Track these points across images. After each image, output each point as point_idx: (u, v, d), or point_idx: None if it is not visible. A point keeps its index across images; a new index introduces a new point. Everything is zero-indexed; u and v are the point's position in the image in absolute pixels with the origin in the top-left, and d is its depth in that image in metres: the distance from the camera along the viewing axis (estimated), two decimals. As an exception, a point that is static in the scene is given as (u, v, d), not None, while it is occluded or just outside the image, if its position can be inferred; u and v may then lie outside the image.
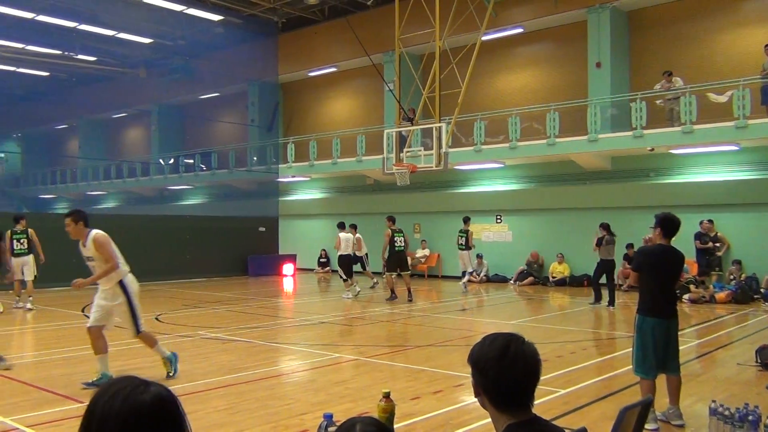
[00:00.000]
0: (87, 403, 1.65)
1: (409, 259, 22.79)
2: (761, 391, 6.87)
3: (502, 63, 22.31)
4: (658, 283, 5.81)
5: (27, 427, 5.64)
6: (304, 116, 28.23)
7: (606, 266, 14.50)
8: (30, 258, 14.23)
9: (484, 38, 16.39)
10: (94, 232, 7.01)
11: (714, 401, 5.43)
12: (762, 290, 15.45)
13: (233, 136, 29.99)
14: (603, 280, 14.61)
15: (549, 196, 20.23)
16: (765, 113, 15.75)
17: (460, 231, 18.10)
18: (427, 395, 6.65)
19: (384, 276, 16.15)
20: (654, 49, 19.38)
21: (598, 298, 14.70)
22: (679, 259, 5.92)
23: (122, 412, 1.57)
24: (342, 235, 16.85)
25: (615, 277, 14.75)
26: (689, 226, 15.10)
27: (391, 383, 6.96)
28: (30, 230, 14.27)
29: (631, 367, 5.94)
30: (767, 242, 16.45)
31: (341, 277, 16.70)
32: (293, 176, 25.83)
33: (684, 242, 12.17)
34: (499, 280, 20.77)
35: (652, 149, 17.40)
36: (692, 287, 15.35)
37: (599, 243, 14.40)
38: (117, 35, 26.68)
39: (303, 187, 27.14)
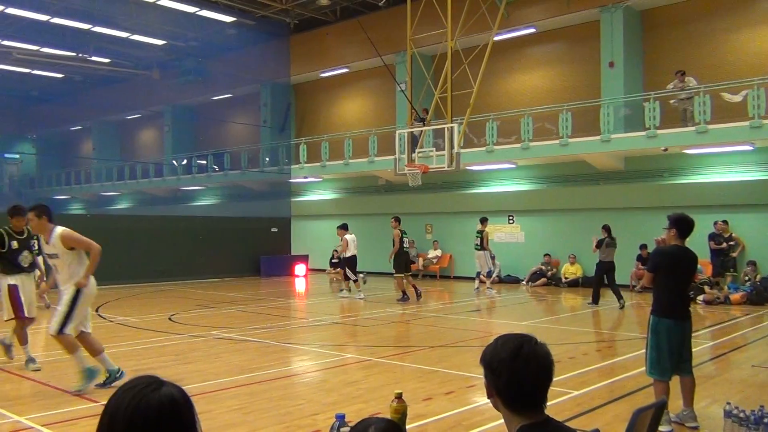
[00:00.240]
0: (104, 402, 1.67)
1: (420, 259, 22.90)
2: (777, 393, 6.81)
3: (514, 63, 22.25)
4: (674, 285, 5.77)
5: (42, 426, 5.69)
6: (316, 117, 28.29)
7: (605, 267, 14.66)
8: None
9: (496, 38, 16.36)
10: (60, 228, 6.81)
11: (729, 403, 5.39)
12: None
13: (246, 137, 30.11)
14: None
15: (561, 196, 20.14)
16: (780, 113, 15.62)
17: (477, 231, 18.09)
18: (439, 396, 6.64)
19: (394, 277, 16.12)
20: (667, 49, 19.26)
21: (596, 300, 14.73)
22: (694, 260, 5.89)
23: (129, 410, 1.59)
24: (348, 236, 16.88)
25: (615, 277, 14.89)
26: (703, 226, 15.00)
27: (403, 384, 6.95)
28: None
29: (644, 368, 5.90)
30: (783, 243, 16.31)
31: (350, 278, 16.71)
32: (305, 177, 25.88)
33: (697, 243, 12.07)
34: (512, 280, 20.70)
35: (666, 149, 17.28)
36: (707, 288, 15.24)
37: (599, 245, 14.61)
38: (131, 37, 26.87)
39: (315, 188, 27.19)
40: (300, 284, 21.68)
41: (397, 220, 16.29)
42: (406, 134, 16.55)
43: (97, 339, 7.25)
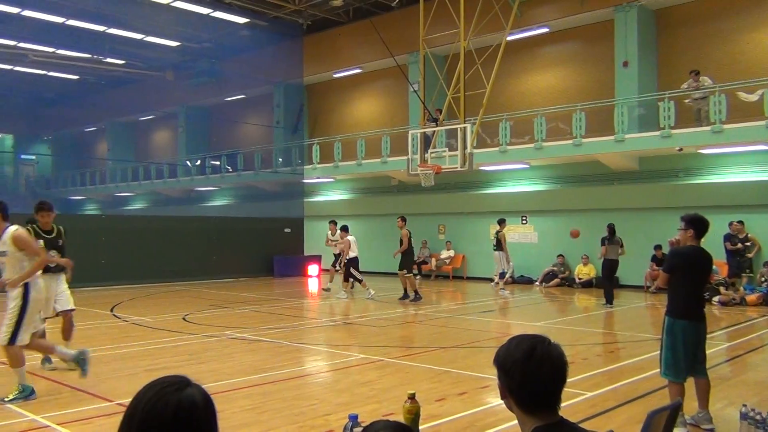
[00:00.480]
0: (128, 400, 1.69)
1: (433, 260, 22.88)
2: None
3: (527, 63, 22.17)
4: (690, 285, 5.72)
5: (57, 424, 5.73)
6: (328, 117, 28.34)
7: (610, 266, 14.83)
8: None
9: (509, 38, 16.32)
10: (14, 227, 6.65)
11: (745, 405, 5.34)
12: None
13: (259, 138, 30.22)
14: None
15: (575, 196, 20.05)
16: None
17: (495, 232, 18.11)
18: (453, 397, 6.63)
19: (405, 277, 16.08)
20: (682, 48, 19.12)
21: (609, 300, 14.77)
22: (709, 261, 5.85)
23: (147, 408, 1.61)
24: (350, 238, 16.90)
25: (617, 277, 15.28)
26: (718, 227, 14.87)
27: (416, 384, 6.95)
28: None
29: (658, 370, 5.86)
30: (800, 244, 16.14)
31: (357, 279, 16.74)
32: (318, 177, 25.93)
33: (712, 244, 12.00)
34: (525, 281, 20.63)
35: (681, 149, 17.16)
36: (722, 289, 15.12)
37: (602, 243, 14.83)
38: (145, 39, 27.07)
39: (328, 188, 27.24)
40: (313, 284, 21.72)
41: (404, 219, 16.28)
42: (418, 134, 16.54)
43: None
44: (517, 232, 21.41)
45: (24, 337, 6.50)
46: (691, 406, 5.79)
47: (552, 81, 21.90)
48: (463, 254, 22.81)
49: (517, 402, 2.14)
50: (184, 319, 12.78)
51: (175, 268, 21.19)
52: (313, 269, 24.41)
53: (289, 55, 27.69)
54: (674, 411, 2.90)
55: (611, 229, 14.98)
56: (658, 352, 5.83)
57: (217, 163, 30.70)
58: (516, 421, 2.19)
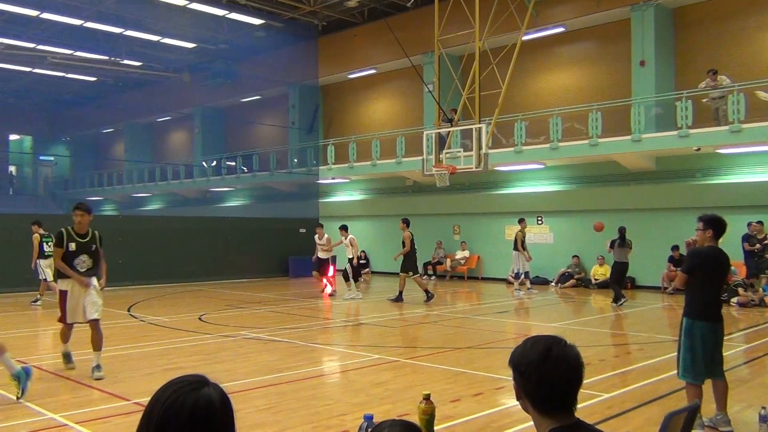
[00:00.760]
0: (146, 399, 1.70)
1: (448, 260, 22.84)
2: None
3: (543, 63, 22.08)
4: (710, 286, 5.67)
5: (75, 423, 5.78)
6: (343, 118, 28.38)
7: (620, 268, 15.03)
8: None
9: (524, 38, 16.23)
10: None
11: (764, 408, 5.28)
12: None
13: (274, 139, 30.33)
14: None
15: (591, 197, 19.93)
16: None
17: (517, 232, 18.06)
18: (468, 398, 6.62)
19: (413, 278, 16.04)
20: (700, 47, 18.95)
21: (618, 298, 14.84)
22: (728, 261, 5.80)
23: (165, 407, 1.63)
24: (352, 237, 16.96)
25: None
26: (737, 227, 14.72)
27: (431, 385, 6.94)
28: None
29: (676, 371, 5.81)
30: (820, 244, 15.91)
31: (353, 279, 16.79)
32: (333, 178, 25.98)
33: (730, 244, 11.86)
34: (540, 282, 20.53)
35: (699, 149, 17.00)
36: (741, 290, 14.97)
37: (611, 245, 15.06)
38: (161, 40, 27.28)
39: (343, 189, 27.28)
40: (328, 285, 21.73)
41: (405, 222, 16.28)
42: (433, 135, 16.52)
43: None
44: (532, 233, 21.30)
45: None
46: (709, 408, 5.74)
47: (568, 81, 21.78)
48: (478, 255, 22.75)
49: (532, 403, 2.12)
50: (200, 319, 12.85)
51: (191, 268, 21.32)
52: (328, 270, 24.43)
53: (305, 56, 27.77)
54: (692, 413, 2.87)
55: (622, 232, 15.06)
56: (676, 353, 5.78)
57: (233, 163, 30.85)
58: (532, 423, 2.18)
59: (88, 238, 7.83)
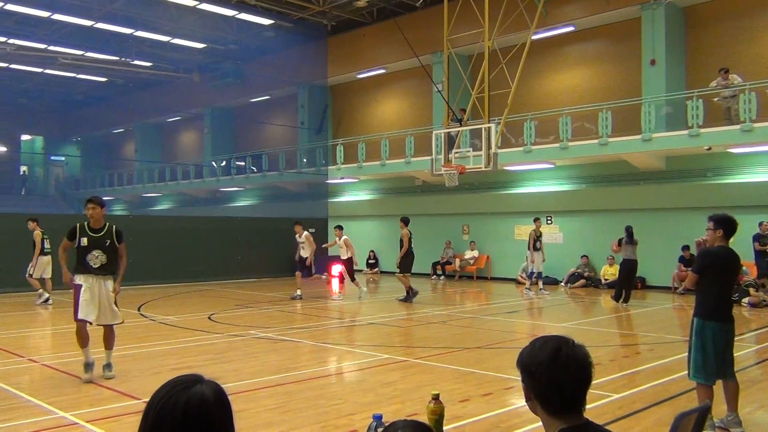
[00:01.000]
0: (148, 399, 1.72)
1: (457, 260, 22.80)
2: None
3: (552, 62, 22.01)
4: (721, 286, 5.63)
5: (86, 422, 5.81)
6: (352, 118, 28.40)
7: (628, 266, 15.08)
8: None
9: (534, 37, 16.19)
10: None
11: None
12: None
13: (283, 139, 30.39)
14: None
15: (601, 197, 19.85)
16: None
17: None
18: (477, 398, 6.60)
19: (397, 276, 16.02)
20: (711, 45, 18.83)
21: (618, 298, 14.99)
22: (738, 261, 5.77)
23: (159, 407, 1.66)
24: (347, 238, 16.80)
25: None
26: (748, 227, 14.62)
27: (440, 385, 6.93)
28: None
29: (686, 372, 5.77)
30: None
31: (353, 279, 16.73)
32: (342, 178, 26.00)
33: (741, 244, 11.78)
34: (550, 282, 20.46)
35: (710, 148, 16.89)
36: (752, 291, 14.86)
37: (619, 243, 15.15)
38: (171, 41, 27.38)
39: (352, 189, 27.29)
40: (337, 285, 21.76)
41: (404, 221, 16.19)
42: (442, 135, 16.50)
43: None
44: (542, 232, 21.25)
45: None
46: (720, 409, 5.70)
47: (577, 80, 21.70)
48: (488, 254, 22.71)
49: (542, 404, 2.11)
50: (209, 318, 12.89)
51: (201, 267, 21.40)
52: (336, 269, 24.43)
53: (314, 56, 27.80)
54: (703, 414, 2.85)
55: (630, 231, 15.07)
56: (686, 354, 5.74)
57: (242, 163, 30.94)
58: (539, 423, 2.17)
59: (102, 233, 7.52)
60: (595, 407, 6.03)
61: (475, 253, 22.80)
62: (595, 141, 18.43)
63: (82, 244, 7.43)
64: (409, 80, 25.72)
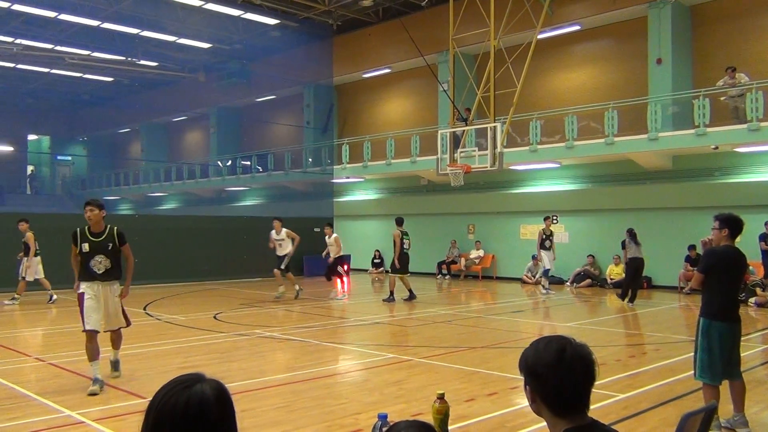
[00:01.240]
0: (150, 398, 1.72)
1: (462, 260, 22.78)
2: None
3: (558, 61, 21.96)
4: (727, 286, 5.61)
5: (92, 420, 5.84)
6: (358, 117, 28.41)
7: (634, 265, 15.17)
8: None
9: (540, 36, 16.17)
10: None
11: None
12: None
13: (289, 138, 30.43)
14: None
15: (607, 196, 19.81)
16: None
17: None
18: (482, 397, 6.60)
19: (393, 276, 15.96)
20: (718, 44, 18.76)
21: (623, 297, 15.17)
22: (744, 261, 5.75)
23: (159, 407, 1.67)
24: (337, 236, 16.67)
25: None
26: (754, 227, 14.58)
27: (445, 384, 6.93)
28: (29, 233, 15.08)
29: (692, 372, 5.76)
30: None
31: (327, 277, 16.63)
32: (348, 177, 26.01)
33: (747, 244, 11.75)
34: (556, 281, 20.42)
35: (716, 147, 16.83)
36: (759, 290, 14.80)
37: (623, 246, 15.34)
38: (177, 41, 27.43)
39: (357, 188, 27.30)
40: (342, 284, 21.77)
41: (397, 221, 15.98)
42: (448, 134, 16.49)
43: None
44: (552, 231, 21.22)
45: None
46: (726, 409, 5.68)
47: (584, 79, 21.66)
48: (493, 254, 22.68)
49: (548, 406, 2.08)
50: (215, 317, 12.92)
51: (207, 267, 21.44)
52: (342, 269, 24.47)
53: (319, 55, 27.82)
54: (709, 414, 2.84)
55: (632, 232, 15.17)
56: (692, 354, 5.73)
57: (248, 163, 30.99)
58: (545, 423, 2.16)
59: (103, 237, 7.19)
60: (600, 407, 6.02)
61: (481, 253, 22.78)
62: (601, 140, 18.39)
63: (83, 250, 7.11)
64: (415, 80, 25.71)
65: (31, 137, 43.31)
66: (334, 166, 26.36)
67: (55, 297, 15.13)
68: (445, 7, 17.41)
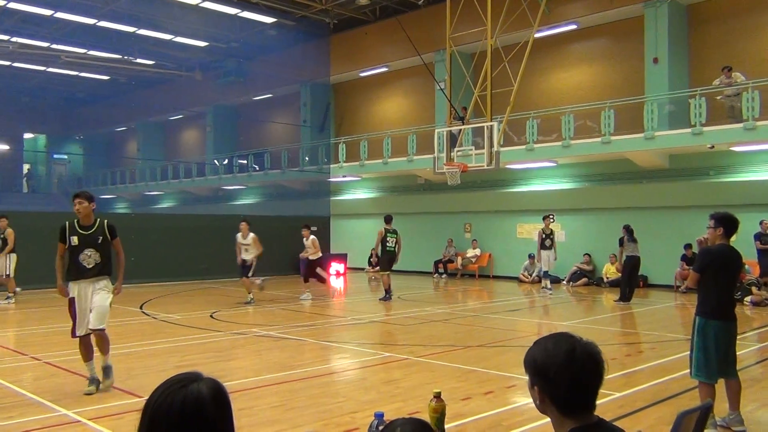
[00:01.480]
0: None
1: (459, 258, 22.79)
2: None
3: (555, 60, 21.98)
4: (723, 285, 5.63)
5: (88, 419, 5.83)
6: (355, 116, 28.40)
7: (631, 263, 15.27)
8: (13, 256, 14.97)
9: (537, 35, 16.19)
10: None
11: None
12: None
13: (286, 137, 30.41)
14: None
15: (603, 195, 19.83)
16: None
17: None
18: (478, 396, 6.61)
19: (381, 275, 15.92)
20: (714, 44, 18.80)
21: (623, 297, 15.20)
22: (740, 260, 5.77)
23: (155, 406, 1.67)
24: (315, 239, 16.18)
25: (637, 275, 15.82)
26: (750, 225, 14.60)
27: (442, 383, 6.93)
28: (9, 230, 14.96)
29: (688, 370, 5.77)
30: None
31: (306, 279, 15.96)
32: (344, 176, 26.00)
33: (743, 243, 11.77)
34: (552, 280, 20.43)
35: (712, 146, 16.86)
36: (754, 289, 14.84)
37: (621, 243, 15.38)
38: (174, 39, 27.39)
39: (354, 187, 27.29)
40: (339, 283, 21.79)
41: (386, 220, 15.64)
42: (445, 133, 16.50)
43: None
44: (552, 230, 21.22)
45: None
46: (721, 407, 5.70)
47: (580, 78, 21.68)
48: (490, 253, 22.70)
49: (558, 406, 2.03)
50: (211, 316, 12.91)
51: (203, 266, 21.41)
52: (339, 268, 24.47)
53: (316, 54, 27.80)
54: (705, 412, 2.85)
55: (629, 229, 15.24)
56: (688, 352, 5.74)
57: (245, 162, 30.95)
58: (543, 421, 2.16)
59: (93, 230, 6.88)
60: (597, 405, 6.02)
61: (477, 252, 22.79)
62: (598, 139, 18.41)
63: (72, 244, 6.81)
64: (412, 78, 25.71)
65: (27, 136, 43.19)
66: (331, 165, 26.35)
67: (13, 301, 14.78)
68: (442, 5, 17.41)
